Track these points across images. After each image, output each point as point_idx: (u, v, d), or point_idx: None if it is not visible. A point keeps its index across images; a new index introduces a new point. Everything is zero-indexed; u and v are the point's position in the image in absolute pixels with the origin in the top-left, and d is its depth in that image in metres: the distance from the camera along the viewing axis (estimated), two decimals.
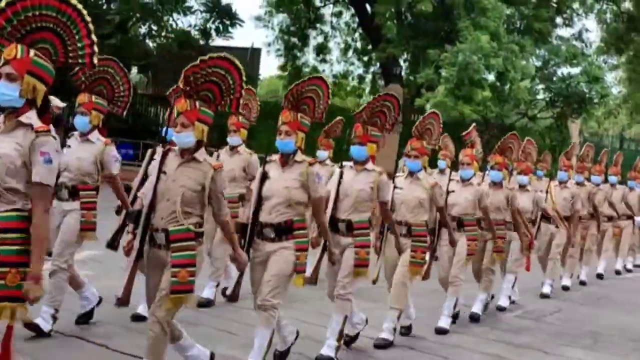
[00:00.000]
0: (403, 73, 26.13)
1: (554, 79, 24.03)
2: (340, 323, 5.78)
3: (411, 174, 6.59)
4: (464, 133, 8.12)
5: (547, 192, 9.94)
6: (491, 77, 21.20)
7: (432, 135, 6.81)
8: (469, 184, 7.61)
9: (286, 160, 5.24)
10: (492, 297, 8.67)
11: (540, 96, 25.39)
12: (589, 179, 11.41)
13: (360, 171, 5.96)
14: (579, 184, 10.68)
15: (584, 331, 8.04)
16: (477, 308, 8.00)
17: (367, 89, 31.74)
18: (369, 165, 5.98)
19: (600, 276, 11.98)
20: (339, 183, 5.97)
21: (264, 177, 5.18)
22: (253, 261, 5.17)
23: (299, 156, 5.24)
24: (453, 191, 7.52)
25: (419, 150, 6.56)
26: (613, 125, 41.28)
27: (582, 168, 11.10)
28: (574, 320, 8.64)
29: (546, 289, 9.92)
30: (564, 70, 24.25)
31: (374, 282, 6.63)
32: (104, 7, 23.30)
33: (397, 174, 6.94)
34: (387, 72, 25.89)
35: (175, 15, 22.86)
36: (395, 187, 6.53)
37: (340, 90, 30.18)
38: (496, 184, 8.16)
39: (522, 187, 8.88)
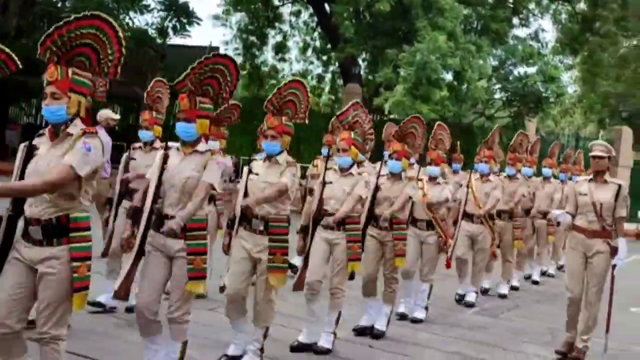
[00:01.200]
0: (362, 72, 26.20)
1: (511, 78, 24.31)
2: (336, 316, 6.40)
3: (341, 169, 6.44)
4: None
5: (467, 186, 9.02)
6: (449, 77, 21.33)
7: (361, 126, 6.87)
8: (348, 174, 6.37)
9: (269, 160, 5.62)
10: (462, 297, 8.70)
11: (497, 95, 25.66)
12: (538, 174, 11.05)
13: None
14: (510, 177, 9.87)
15: (542, 327, 8.13)
16: (380, 324, 7.01)
17: (327, 88, 31.79)
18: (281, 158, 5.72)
19: (535, 282, 11.39)
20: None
21: (249, 173, 5.63)
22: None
23: (282, 157, 5.58)
24: (330, 182, 6.40)
25: (347, 141, 6.38)
26: (569, 124, 41.93)
27: (514, 160, 10.06)
28: (531, 317, 8.73)
29: (503, 289, 9.93)
30: (520, 70, 24.57)
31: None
32: (59, 4, 22.95)
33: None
34: (346, 72, 25.94)
35: (132, 13, 22.63)
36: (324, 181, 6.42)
37: None
38: (394, 175, 7.09)
39: (432, 179, 7.93)
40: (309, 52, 30.52)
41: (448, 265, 8.52)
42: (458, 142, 9.14)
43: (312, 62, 30.92)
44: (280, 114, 5.63)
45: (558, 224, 7.95)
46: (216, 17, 28.79)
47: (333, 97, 31.35)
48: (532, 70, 23.99)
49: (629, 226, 26.17)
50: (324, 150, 9.17)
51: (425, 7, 21.11)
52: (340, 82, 28.51)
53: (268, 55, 30.21)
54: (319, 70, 30.93)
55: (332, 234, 6.31)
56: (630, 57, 35.30)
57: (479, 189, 8.99)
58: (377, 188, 6.97)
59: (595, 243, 6.72)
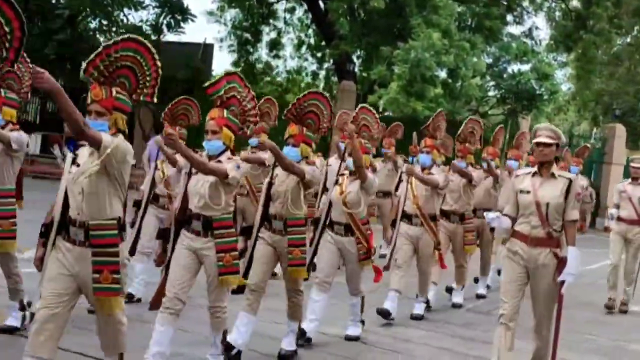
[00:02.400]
0: (356, 69, 26.22)
1: (505, 76, 24.38)
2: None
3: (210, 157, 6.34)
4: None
5: (408, 182, 7.75)
6: (443, 74, 21.37)
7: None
8: (217, 162, 5.46)
9: None
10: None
11: (491, 93, 25.73)
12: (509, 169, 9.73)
13: None
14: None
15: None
16: (287, 343, 6.07)
17: (321, 85, 31.79)
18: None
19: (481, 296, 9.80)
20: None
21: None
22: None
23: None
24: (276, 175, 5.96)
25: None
26: (562, 121, 42.03)
27: (464, 151, 8.83)
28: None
29: (457, 298, 9.05)
30: (514, 68, 24.63)
31: None
32: (53, 1, 22.89)
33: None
34: (341, 69, 25.93)
35: (126, 10, 22.56)
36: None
37: (294, 87, 30.16)
38: (353, 173, 6.46)
39: (352, 173, 6.53)
40: (304, 49, 30.47)
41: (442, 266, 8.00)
42: (415, 133, 8.05)
43: (306, 59, 30.88)
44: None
45: (492, 230, 7.31)
46: (210, 14, 28.72)
47: (328, 94, 31.33)
48: (526, 67, 24.08)
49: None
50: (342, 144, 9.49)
51: (420, 4, 21.12)
52: (334, 79, 28.50)
53: (262, 52, 30.19)
54: (314, 67, 30.88)
55: (196, 241, 5.20)
56: (624, 54, 35.46)
57: (419, 186, 7.60)
58: (270, 183, 5.87)
59: (539, 254, 5.43)
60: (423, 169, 7.64)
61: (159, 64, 4.47)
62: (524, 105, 23.93)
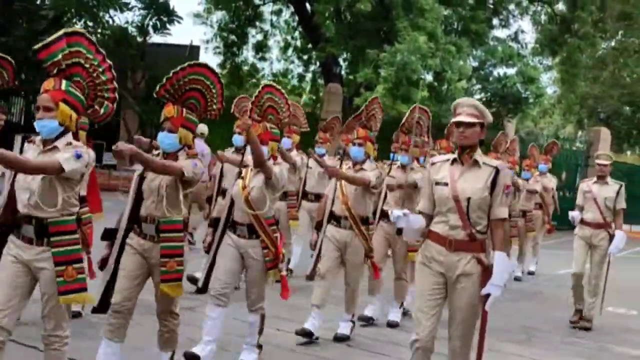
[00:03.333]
0: (343, 72, 26.23)
1: (490, 79, 24.44)
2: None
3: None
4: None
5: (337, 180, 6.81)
6: (429, 77, 21.41)
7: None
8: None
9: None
10: None
11: (477, 96, 25.75)
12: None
13: None
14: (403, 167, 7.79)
15: (518, 326, 8.19)
16: None
17: (308, 88, 31.78)
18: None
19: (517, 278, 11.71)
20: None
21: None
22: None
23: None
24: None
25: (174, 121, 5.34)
26: (548, 124, 42.24)
27: (407, 144, 7.54)
28: (508, 315, 8.79)
29: (393, 315, 8.46)
30: (500, 71, 24.70)
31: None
32: (38, 1, 22.75)
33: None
34: (327, 71, 25.96)
35: (111, 11, 22.43)
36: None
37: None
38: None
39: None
40: (290, 51, 30.50)
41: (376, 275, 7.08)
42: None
43: (292, 62, 30.91)
44: (265, 120, 5.65)
45: (399, 231, 6.09)
46: (197, 16, 28.69)
47: (314, 97, 31.34)
48: (511, 71, 24.14)
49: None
50: (319, 149, 9.75)
51: (406, 7, 21.17)
52: (321, 81, 28.51)
53: (249, 54, 30.18)
54: (300, 69, 30.92)
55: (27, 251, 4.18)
56: (608, 58, 35.70)
57: (348, 187, 6.66)
58: (142, 177, 4.92)
59: (459, 260, 4.48)
60: (355, 164, 6.75)
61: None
62: (510, 109, 24.02)
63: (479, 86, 25.12)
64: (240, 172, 5.66)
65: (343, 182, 6.59)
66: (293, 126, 9.18)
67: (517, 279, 11.51)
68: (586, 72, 31.04)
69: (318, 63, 27.78)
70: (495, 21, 26.92)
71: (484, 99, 25.00)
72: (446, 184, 4.55)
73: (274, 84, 5.81)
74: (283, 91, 5.77)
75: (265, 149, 5.44)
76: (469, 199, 4.49)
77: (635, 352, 7.63)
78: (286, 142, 8.96)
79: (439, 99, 21.18)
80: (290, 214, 9.39)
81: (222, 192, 8.24)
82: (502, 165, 4.62)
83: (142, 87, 22.44)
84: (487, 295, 4.42)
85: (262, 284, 5.56)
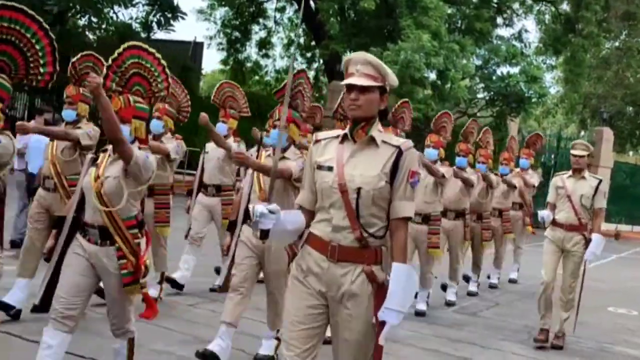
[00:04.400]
0: None
1: (494, 78, 24.40)
2: None
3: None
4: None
5: (253, 173, 5.96)
6: (432, 76, 21.41)
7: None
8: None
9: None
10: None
11: (480, 95, 25.77)
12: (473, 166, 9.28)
13: None
14: None
15: (520, 326, 8.20)
16: None
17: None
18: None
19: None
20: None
21: None
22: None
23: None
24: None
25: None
26: (551, 124, 42.21)
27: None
28: (510, 315, 8.81)
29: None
30: (503, 70, 24.65)
31: None
32: None
33: None
34: (330, 69, 25.97)
35: (116, 7, 22.50)
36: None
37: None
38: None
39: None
40: (293, 48, 30.54)
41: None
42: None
43: (296, 59, 30.93)
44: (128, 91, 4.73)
45: (263, 234, 4.86)
46: (200, 12, 28.74)
47: (317, 94, 31.39)
48: (514, 70, 24.11)
49: (609, 226, 26.72)
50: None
51: (410, 5, 21.16)
52: (324, 79, 28.53)
53: (252, 51, 30.20)
54: (303, 66, 30.92)
55: None
56: (612, 58, 35.70)
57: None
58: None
59: (345, 274, 3.29)
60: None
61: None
62: (513, 108, 23.99)
63: (482, 85, 25.10)
64: (95, 159, 4.46)
65: (262, 175, 5.54)
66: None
67: (492, 286, 10.80)
68: (590, 72, 31.01)
69: (321, 60, 27.80)
70: (499, 20, 26.92)
71: (487, 98, 25.00)
72: (330, 169, 3.36)
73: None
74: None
75: (125, 129, 4.34)
76: (359, 190, 3.27)
77: (636, 352, 7.64)
78: (221, 128, 7.98)
79: (442, 97, 21.19)
80: (226, 213, 7.77)
81: (205, 186, 8.04)
82: (407, 144, 3.37)
83: None
84: (383, 324, 3.21)
85: (123, 302, 4.37)
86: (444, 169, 8.08)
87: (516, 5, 27.50)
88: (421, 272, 8.19)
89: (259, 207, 3.32)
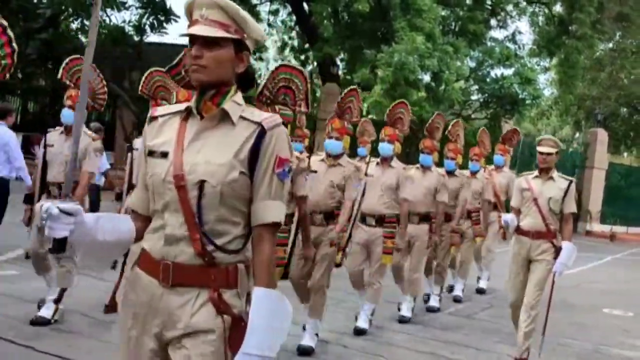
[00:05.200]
0: (340, 72, 26.21)
1: (488, 80, 24.42)
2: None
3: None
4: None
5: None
6: (426, 78, 21.40)
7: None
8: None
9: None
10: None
11: (474, 97, 25.80)
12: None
13: None
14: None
15: (512, 328, 8.16)
16: None
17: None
18: None
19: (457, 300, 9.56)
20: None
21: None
22: None
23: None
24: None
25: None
26: (546, 126, 42.27)
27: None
28: (504, 317, 8.76)
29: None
30: (497, 72, 24.69)
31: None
32: (35, 0, 22.73)
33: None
34: (324, 71, 25.93)
35: (108, 10, 22.41)
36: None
37: None
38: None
39: None
40: (287, 51, 30.50)
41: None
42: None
43: (289, 62, 30.89)
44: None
45: (56, 248, 5.10)
46: None
47: (311, 97, 31.36)
48: (509, 72, 24.14)
49: (604, 228, 26.75)
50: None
51: (404, 8, 21.15)
52: (318, 81, 28.50)
53: None
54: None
55: None
56: (606, 60, 35.79)
57: None
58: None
59: (183, 305, 2.37)
60: None
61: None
62: (507, 110, 24.01)
63: (476, 87, 25.13)
64: None
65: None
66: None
67: (457, 299, 9.55)
68: (584, 74, 31.06)
69: (315, 63, 27.76)
70: (493, 22, 26.92)
71: (481, 100, 25.04)
72: (165, 155, 2.44)
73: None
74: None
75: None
76: (201, 184, 2.37)
77: (631, 353, 7.63)
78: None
79: (437, 99, 21.18)
80: None
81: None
82: (271, 119, 2.44)
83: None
84: None
85: None
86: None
87: (510, 7, 27.52)
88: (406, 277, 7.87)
89: (48, 205, 2.27)
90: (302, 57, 29.96)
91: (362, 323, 7.12)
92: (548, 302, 6.50)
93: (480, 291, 10.27)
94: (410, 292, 7.94)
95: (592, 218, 26.90)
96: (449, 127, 8.83)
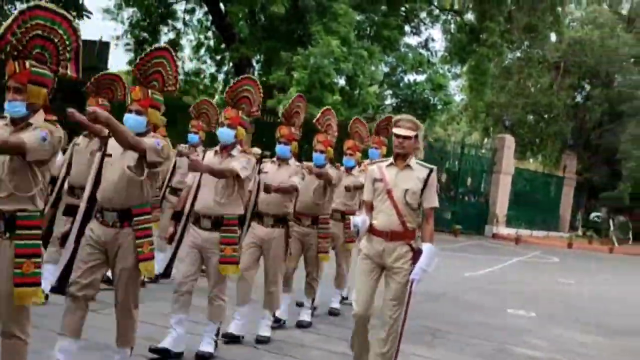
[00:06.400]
0: (256, 74, 26.18)
1: (401, 85, 24.86)
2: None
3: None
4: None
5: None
6: (341, 82, 21.61)
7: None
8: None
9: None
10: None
11: (388, 101, 26.22)
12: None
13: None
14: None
15: (423, 328, 8.33)
16: None
17: (220, 88, 31.57)
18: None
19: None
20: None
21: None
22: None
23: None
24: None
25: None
26: (455, 131, 43.26)
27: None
28: (414, 317, 8.92)
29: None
30: (410, 77, 25.19)
31: None
32: None
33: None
34: (240, 72, 25.79)
35: (18, 4, 21.78)
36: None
37: (192, 89, 29.85)
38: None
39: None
40: (203, 51, 30.23)
41: None
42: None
43: (205, 62, 30.62)
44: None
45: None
46: (107, 11, 28.11)
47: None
48: (421, 78, 24.65)
49: (510, 230, 27.54)
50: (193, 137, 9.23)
51: (320, 11, 21.31)
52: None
53: None
54: (212, 69, 30.66)
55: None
56: (514, 68, 36.94)
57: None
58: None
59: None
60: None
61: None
62: (419, 115, 24.48)
63: (389, 91, 25.54)
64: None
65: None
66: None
67: (333, 313, 8.53)
68: (493, 81, 31.96)
69: (231, 64, 27.64)
70: (406, 28, 27.43)
71: (394, 104, 25.47)
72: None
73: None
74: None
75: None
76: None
77: (533, 353, 7.88)
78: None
79: (351, 103, 21.40)
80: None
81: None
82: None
83: None
84: None
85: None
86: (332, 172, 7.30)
87: (423, 15, 28.11)
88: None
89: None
90: (218, 57, 29.78)
91: (207, 346, 5.98)
92: (404, 316, 5.50)
93: (334, 313, 8.59)
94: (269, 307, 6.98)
95: (499, 221, 27.72)
96: (318, 115, 7.73)
